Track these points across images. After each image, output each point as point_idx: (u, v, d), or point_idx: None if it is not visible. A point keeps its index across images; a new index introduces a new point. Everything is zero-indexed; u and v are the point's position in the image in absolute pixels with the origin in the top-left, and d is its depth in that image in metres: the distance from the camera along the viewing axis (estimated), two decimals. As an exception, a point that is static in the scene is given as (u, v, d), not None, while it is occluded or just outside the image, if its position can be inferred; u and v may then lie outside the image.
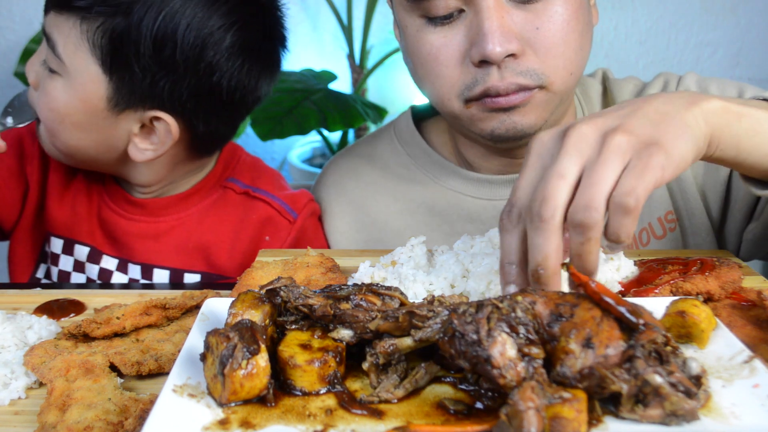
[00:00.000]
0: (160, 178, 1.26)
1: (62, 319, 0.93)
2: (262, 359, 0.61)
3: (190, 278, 1.28)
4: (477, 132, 1.11)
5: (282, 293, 0.69)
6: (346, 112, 2.30)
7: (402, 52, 1.17)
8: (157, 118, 1.15)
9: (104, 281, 1.28)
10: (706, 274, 0.86)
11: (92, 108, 1.12)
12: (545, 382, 0.57)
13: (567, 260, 0.72)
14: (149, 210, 1.28)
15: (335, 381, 0.64)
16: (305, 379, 0.63)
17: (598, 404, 0.59)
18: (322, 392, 0.64)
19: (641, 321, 0.59)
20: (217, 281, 1.27)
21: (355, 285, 0.71)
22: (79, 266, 1.30)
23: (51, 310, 0.95)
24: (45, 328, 0.87)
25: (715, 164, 0.91)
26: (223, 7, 1.13)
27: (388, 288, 0.71)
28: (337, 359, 0.65)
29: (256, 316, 0.68)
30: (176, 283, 1.26)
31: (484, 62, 1.02)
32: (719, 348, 0.67)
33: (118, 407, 0.70)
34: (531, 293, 0.63)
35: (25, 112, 1.20)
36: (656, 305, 0.71)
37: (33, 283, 1.31)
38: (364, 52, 2.75)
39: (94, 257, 1.29)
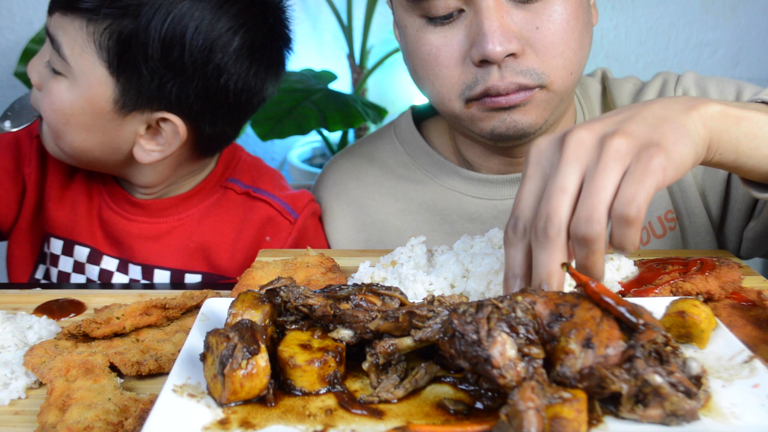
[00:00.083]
0: (163, 179, 1.26)
1: (62, 319, 0.93)
2: (262, 359, 0.61)
3: (191, 279, 1.28)
4: (477, 132, 1.11)
5: (282, 293, 0.69)
6: (346, 112, 2.29)
7: (402, 53, 1.18)
8: (164, 120, 1.15)
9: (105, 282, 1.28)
10: (706, 274, 0.86)
11: (98, 109, 1.12)
12: (545, 382, 0.58)
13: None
14: (150, 211, 1.28)
15: (335, 381, 0.64)
16: (305, 379, 0.63)
17: (598, 404, 0.59)
18: (322, 392, 0.64)
19: (641, 321, 0.59)
20: (217, 282, 1.27)
21: (355, 285, 0.71)
22: (78, 267, 1.30)
23: (51, 310, 0.95)
24: (45, 328, 0.87)
25: None
26: (231, 10, 1.13)
27: (388, 288, 0.71)
28: (337, 359, 0.65)
29: (256, 316, 0.68)
30: (177, 283, 1.26)
31: (484, 62, 1.02)
32: (719, 348, 0.67)
33: (118, 407, 0.70)
34: (531, 293, 0.63)
35: (24, 116, 1.20)
36: (656, 305, 0.70)
37: (33, 283, 1.31)
38: (364, 52, 2.75)
39: (94, 258, 1.28)
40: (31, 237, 1.33)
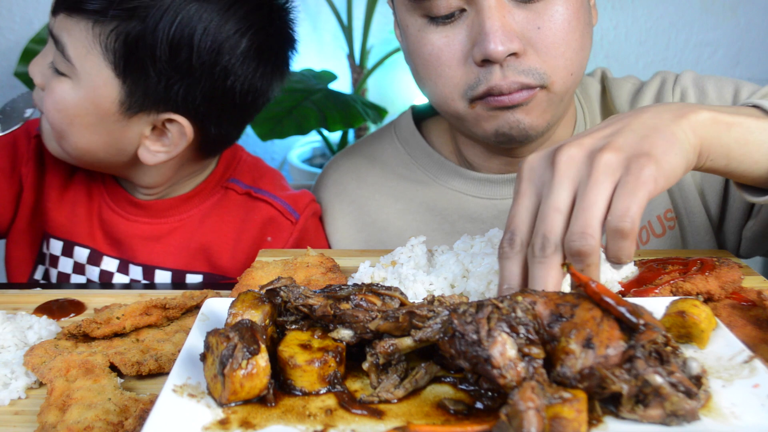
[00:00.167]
0: (165, 180, 1.26)
1: (62, 319, 0.93)
2: (262, 359, 0.61)
3: (192, 279, 1.28)
4: (480, 133, 1.11)
5: (282, 293, 0.69)
6: (346, 112, 2.30)
7: (403, 53, 1.17)
8: (170, 121, 1.15)
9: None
10: (706, 274, 0.86)
11: (103, 111, 1.12)
12: (545, 382, 0.57)
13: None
14: (151, 211, 1.28)
15: (335, 381, 0.64)
16: (305, 379, 0.63)
17: (598, 404, 0.59)
18: (322, 392, 0.63)
19: (641, 321, 0.59)
20: (218, 282, 1.27)
21: (355, 285, 0.71)
22: (78, 268, 1.29)
23: (51, 310, 0.95)
24: (45, 328, 0.87)
25: None
26: (239, 12, 1.13)
27: (388, 288, 0.71)
28: (337, 359, 0.65)
29: (256, 316, 0.68)
30: (177, 283, 1.26)
31: (486, 61, 1.03)
32: (719, 348, 0.67)
33: (118, 407, 0.70)
34: (531, 293, 0.63)
35: (13, 119, 1.19)
36: (656, 305, 0.70)
37: (33, 283, 1.30)
38: (364, 52, 2.75)
39: (94, 259, 1.28)
40: (29, 237, 1.33)
